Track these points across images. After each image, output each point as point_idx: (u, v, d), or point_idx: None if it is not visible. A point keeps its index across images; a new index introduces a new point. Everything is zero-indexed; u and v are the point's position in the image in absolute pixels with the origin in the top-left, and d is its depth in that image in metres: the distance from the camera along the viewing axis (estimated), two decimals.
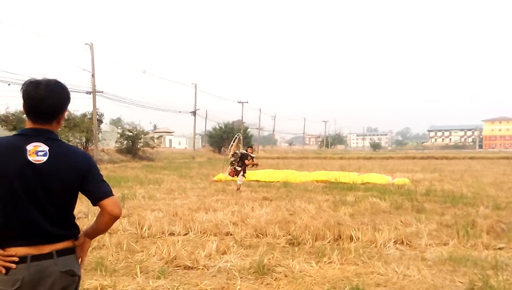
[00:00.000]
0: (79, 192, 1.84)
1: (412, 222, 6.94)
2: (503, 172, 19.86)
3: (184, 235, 6.21)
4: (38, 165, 1.70)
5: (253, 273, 4.35)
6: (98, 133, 29.97)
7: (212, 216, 7.44)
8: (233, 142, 15.61)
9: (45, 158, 1.72)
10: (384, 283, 4.09)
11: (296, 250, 5.37)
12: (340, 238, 5.88)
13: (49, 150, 1.73)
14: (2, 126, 24.37)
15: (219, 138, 52.00)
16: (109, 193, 1.84)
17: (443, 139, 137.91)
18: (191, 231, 6.32)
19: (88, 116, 29.73)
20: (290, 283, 3.94)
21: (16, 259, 1.69)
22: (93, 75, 28.92)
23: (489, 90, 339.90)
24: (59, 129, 1.88)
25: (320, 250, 5.24)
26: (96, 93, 29.22)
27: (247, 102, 58.56)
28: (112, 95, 32.20)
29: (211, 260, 4.80)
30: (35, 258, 1.71)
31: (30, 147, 1.71)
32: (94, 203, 1.82)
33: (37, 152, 1.71)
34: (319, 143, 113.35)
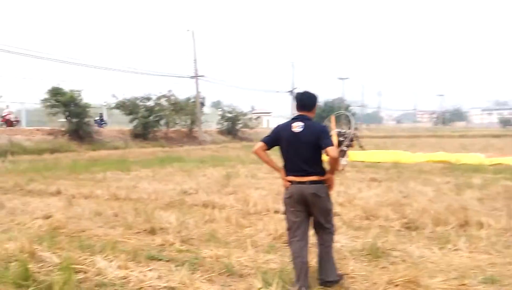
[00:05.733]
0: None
1: None
2: None
3: None
4: (296, 132, 3.31)
5: (366, 255, 4.25)
6: (201, 116, 31.99)
7: None
8: (347, 121, 15.14)
9: (301, 129, 3.31)
10: None
11: (414, 234, 5.08)
12: (467, 224, 5.38)
13: (303, 125, 3.31)
14: (120, 111, 27.79)
15: (318, 117, 51.12)
16: (330, 144, 3.25)
17: None
18: None
19: (192, 100, 31.81)
20: (410, 268, 3.73)
21: (289, 183, 3.35)
22: (195, 61, 31.05)
23: None
24: (313, 116, 3.45)
25: (443, 236, 4.87)
26: (198, 77, 31.32)
27: (348, 78, 56.67)
28: (212, 78, 34.17)
29: None
30: (297, 183, 3.31)
31: (294, 124, 3.35)
32: (322, 150, 3.29)
33: (298, 127, 3.32)
34: (434, 119, 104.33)
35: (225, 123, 35.81)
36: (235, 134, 35.57)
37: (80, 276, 3.65)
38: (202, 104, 33.25)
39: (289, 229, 3.42)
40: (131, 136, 26.37)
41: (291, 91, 46.08)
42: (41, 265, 3.90)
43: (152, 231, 5.18)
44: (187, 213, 6.15)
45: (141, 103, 28.02)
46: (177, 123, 30.23)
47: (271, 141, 3.45)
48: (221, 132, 35.43)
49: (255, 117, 45.93)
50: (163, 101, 29.42)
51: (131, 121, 27.18)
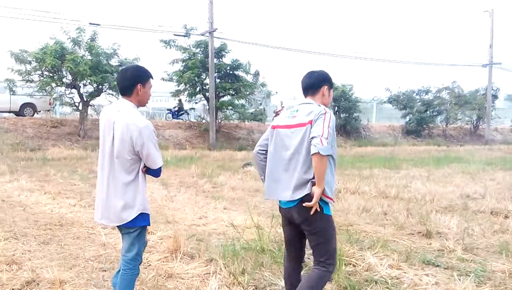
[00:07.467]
0: None
1: None
2: None
3: None
4: None
5: None
6: (492, 111, 29.28)
7: None
8: None
9: None
10: None
11: None
12: None
13: None
14: (392, 105, 28.48)
15: None
16: None
17: None
18: None
19: (481, 92, 29.59)
20: None
21: None
22: (490, 46, 28.25)
23: None
24: None
25: None
26: (493, 65, 28.46)
27: None
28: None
29: None
30: None
31: None
32: None
33: None
34: None
35: None
36: None
37: (349, 268, 3.91)
38: (495, 97, 30.48)
39: None
40: (403, 132, 26.74)
41: None
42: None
43: (428, 235, 5.14)
44: (471, 220, 5.90)
45: (418, 97, 28.26)
46: (459, 119, 28.96)
47: None
48: None
49: None
50: (444, 94, 29.04)
51: (404, 116, 27.66)
